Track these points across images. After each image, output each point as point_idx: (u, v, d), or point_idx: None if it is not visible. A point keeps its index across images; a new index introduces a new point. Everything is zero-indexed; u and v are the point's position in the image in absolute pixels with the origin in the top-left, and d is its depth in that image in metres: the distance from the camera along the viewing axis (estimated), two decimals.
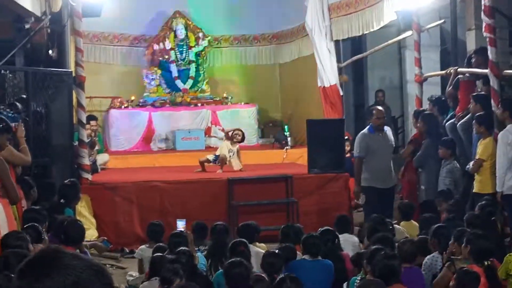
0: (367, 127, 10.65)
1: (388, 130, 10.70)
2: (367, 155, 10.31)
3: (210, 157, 12.48)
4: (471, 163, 9.13)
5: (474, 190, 9.10)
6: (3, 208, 6.51)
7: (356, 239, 8.46)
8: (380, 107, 11.25)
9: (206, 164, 12.43)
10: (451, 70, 10.91)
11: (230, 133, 12.61)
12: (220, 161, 12.24)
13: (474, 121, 9.21)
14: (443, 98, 11.48)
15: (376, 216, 8.48)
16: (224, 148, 12.43)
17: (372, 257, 5.92)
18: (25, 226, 6.80)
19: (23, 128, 7.90)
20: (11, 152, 7.39)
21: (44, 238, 6.46)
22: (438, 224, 7.47)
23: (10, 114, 8.68)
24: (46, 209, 7.86)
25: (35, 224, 6.71)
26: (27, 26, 11.53)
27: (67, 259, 2.17)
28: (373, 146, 10.33)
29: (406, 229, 8.87)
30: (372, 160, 10.28)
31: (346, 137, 12.48)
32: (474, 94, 9.71)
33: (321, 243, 7.09)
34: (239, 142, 12.57)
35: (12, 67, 10.59)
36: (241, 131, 12.60)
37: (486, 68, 9.27)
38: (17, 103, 9.60)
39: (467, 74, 10.42)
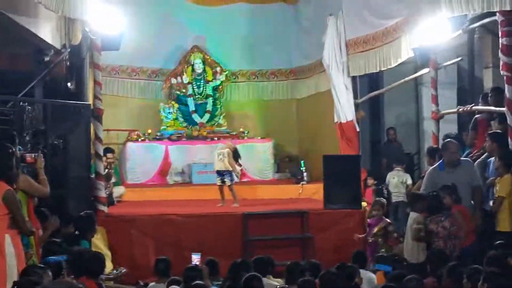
0: (439, 162, 9.86)
1: (466, 165, 9.61)
2: None
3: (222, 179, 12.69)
4: (491, 201, 8.96)
5: (496, 229, 8.83)
6: (11, 240, 6.49)
7: (372, 275, 8.40)
8: (454, 140, 10.12)
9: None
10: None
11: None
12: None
13: (497, 157, 8.97)
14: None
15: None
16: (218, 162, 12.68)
17: None
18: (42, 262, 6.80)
19: (42, 159, 7.92)
20: (30, 183, 7.39)
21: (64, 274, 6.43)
22: (453, 263, 7.38)
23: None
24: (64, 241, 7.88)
25: (53, 257, 6.74)
26: (46, 58, 11.61)
27: None
28: (441, 184, 9.31)
29: None
30: None
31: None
32: (490, 132, 9.60)
33: (338, 279, 7.03)
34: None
35: (31, 99, 10.63)
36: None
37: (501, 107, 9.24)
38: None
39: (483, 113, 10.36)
